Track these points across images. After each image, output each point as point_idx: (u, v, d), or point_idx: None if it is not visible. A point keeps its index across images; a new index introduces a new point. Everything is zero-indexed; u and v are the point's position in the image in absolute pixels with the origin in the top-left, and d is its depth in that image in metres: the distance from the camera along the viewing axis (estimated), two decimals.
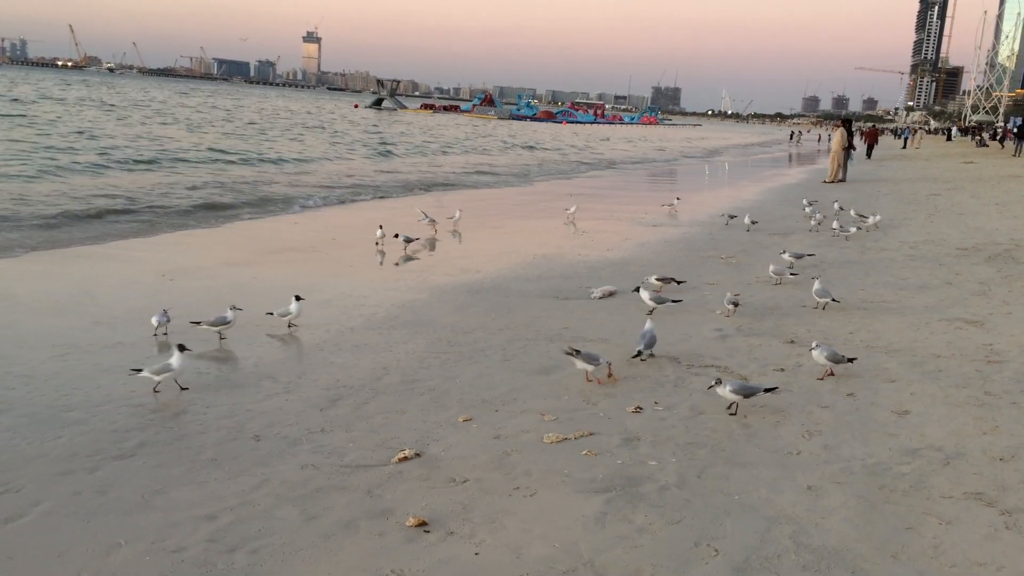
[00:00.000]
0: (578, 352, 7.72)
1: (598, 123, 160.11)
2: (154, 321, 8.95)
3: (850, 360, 7.90)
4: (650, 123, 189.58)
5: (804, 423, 6.70)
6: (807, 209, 20.91)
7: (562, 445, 6.22)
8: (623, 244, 16.90)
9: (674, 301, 10.60)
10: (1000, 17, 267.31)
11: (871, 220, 18.87)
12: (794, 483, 5.57)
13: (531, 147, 58.47)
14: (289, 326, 9.41)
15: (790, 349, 8.92)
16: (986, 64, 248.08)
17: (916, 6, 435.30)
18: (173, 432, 6.32)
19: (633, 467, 5.83)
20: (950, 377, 7.86)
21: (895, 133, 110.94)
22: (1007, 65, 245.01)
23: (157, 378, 7.05)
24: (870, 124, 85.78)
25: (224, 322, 8.80)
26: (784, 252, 14.14)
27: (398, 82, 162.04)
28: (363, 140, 54.64)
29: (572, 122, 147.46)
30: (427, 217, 17.72)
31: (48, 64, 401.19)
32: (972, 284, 12.37)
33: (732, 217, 19.90)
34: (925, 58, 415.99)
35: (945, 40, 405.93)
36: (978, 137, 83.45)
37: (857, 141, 58.96)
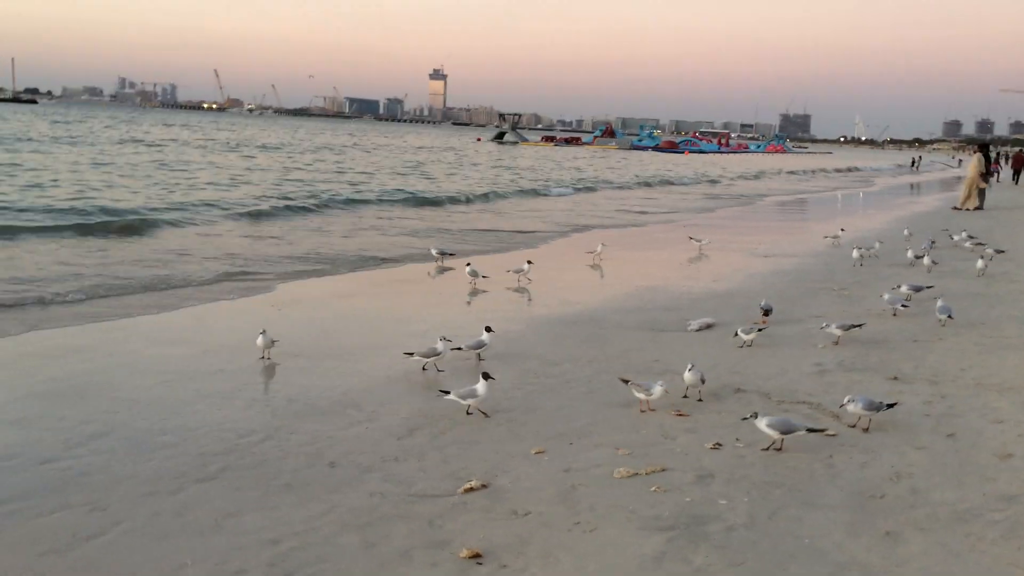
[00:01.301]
0: (627, 381, 7.75)
1: (722, 152, 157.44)
2: (259, 342, 9.31)
3: (890, 406, 7.22)
4: (777, 151, 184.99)
5: (895, 464, 6.35)
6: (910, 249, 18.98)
7: (632, 480, 6.10)
8: (733, 275, 16.53)
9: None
10: None
11: (988, 250, 17.53)
12: (872, 528, 5.28)
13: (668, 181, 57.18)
14: (480, 359, 9.56)
15: (892, 386, 8.48)
16: None
17: None
18: (255, 457, 6.56)
19: (702, 505, 5.65)
20: None
21: None
22: None
23: (463, 402, 7.50)
24: (1018, 148, 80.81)
25: (435, 353, 9.04)
26: (900, 285, 13.45)
27: (519, 116, 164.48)
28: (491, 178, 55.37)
29: (695, 151, 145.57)
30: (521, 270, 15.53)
31: (195, 107, 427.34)
32: None
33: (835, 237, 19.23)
34: None
35: None
36: None
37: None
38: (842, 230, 21.69)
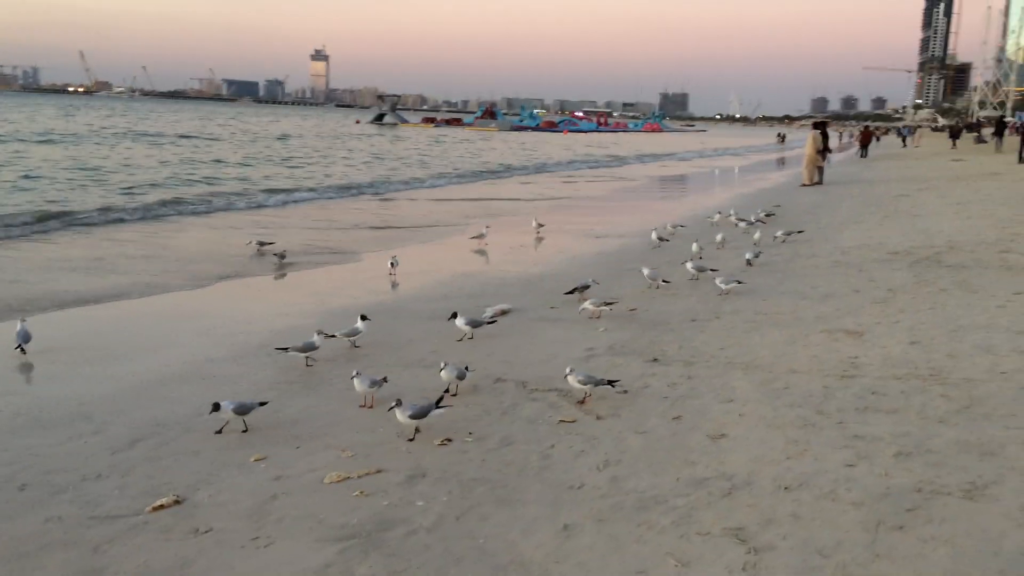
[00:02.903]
0: (358, 373, 7.64)
1: (600, 131, 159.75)
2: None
3: (611, 383, 7.58)
4: (654, 130, 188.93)
5: (608, 452, 6.39)
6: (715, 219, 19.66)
7: (340, 486, 5.94)
8: (555, 258, 16.63)
9: (490, 322, 10.37)
10: (1006, 12, 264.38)
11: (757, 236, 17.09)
12: (553, 523, 5.27)
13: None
14: (354, 346, 9.60)
15: (647, 368, 8.60)
16: (993, 59, 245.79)
17: (922, 4, 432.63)
18: None
19: (396, 509, 5.53)
20: (792, 395, 7.52)
21: (899, 132, 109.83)
22: (1015, 60, 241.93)
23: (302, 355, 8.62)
24: (864, 125, 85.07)
25: (313, 347, 8.96)
26: (690, 261, 13.88)
27: (399, 96, 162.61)
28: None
29: (574, 131, 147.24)
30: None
31: (60, 90, 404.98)
32: (880, 291, 12.00)
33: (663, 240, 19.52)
34: (932, 55, 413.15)
35: (952, 36, 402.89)
36: (976, 133, 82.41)
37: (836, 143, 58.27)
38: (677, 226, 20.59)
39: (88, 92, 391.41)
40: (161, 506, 5.63)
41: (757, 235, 16.81)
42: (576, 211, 27.00)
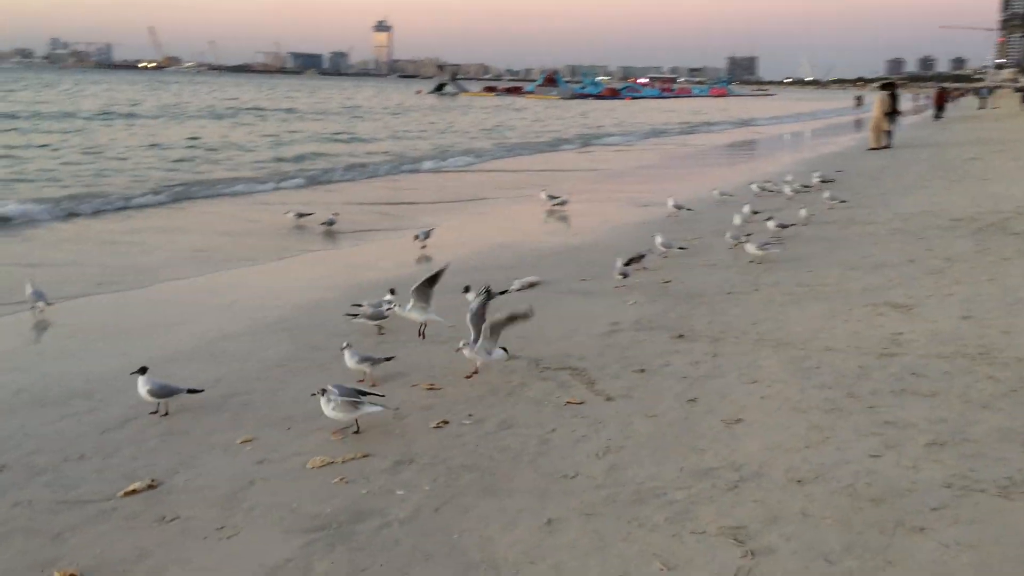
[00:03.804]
0: (348, 345, 7.39)
1: (664, 98, 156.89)
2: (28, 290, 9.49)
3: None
4: (720, 95, 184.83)
5: (612, 438, 5.94)
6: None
7: (322, 471, 5.62)
8: (597, 228, 16.09)
9: (501, 293, 9.61)
10: None
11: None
12: (537, 516, 4.85)
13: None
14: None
15: (671, 345, 8.09)
16: None
17: None
18: None
19: (374, 498, 5.19)
20: (823, 375, 6.95)
21: (977, 93, 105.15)
22: None
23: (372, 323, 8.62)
24: (939, 86, 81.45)
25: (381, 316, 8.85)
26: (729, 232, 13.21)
27: (459, 66, 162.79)
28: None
29: (636, 98, 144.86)
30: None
31: (131, 66, 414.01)
32: (937, 261, 11.22)
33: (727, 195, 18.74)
34: (1014, 13, 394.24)
35: None
36: None
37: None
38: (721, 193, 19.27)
39: (158, 67, 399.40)
40: (134, 491, 5.39)
41: (804, 212, 15.19)
42: (626, 180, 26.30)
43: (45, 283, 10.07)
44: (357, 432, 6.22)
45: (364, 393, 6.35)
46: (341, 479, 5.46)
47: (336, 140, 41.44)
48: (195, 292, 11.47)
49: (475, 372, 7.47)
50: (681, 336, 8.36)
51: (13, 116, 48.82)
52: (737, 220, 14.50)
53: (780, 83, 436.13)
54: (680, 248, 12.27)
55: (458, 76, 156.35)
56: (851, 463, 5.29)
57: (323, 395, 6.14)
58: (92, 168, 26.92)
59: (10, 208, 17.37)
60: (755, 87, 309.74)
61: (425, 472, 5.54)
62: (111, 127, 45.99)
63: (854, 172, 23.95)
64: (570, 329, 8.83)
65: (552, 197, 18.66)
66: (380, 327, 8.94)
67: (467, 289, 9.54)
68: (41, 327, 9.63)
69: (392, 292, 9.52)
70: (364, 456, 5.82)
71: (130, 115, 56.17)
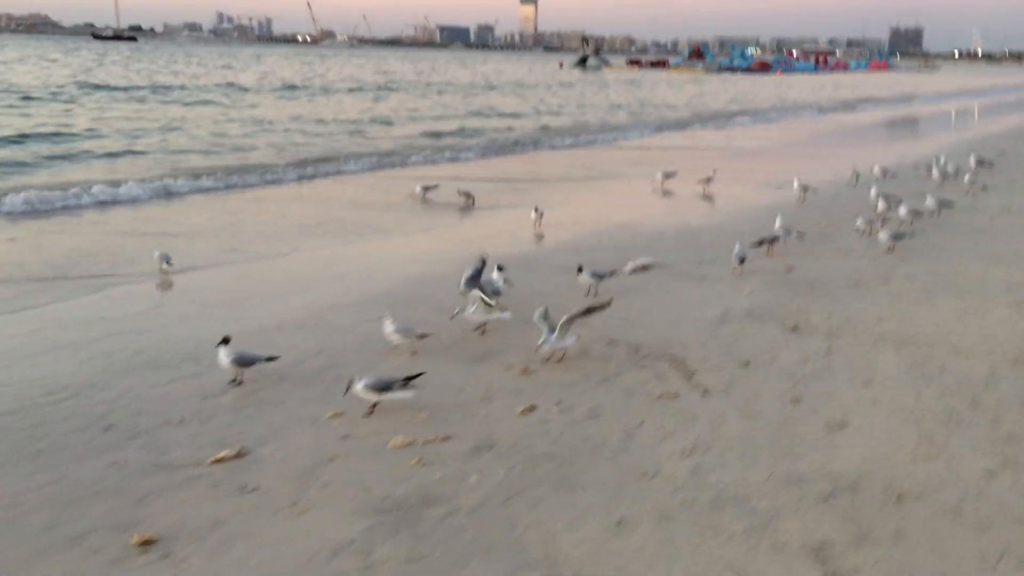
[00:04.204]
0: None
1: (819, 71, 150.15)
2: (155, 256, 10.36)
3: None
4: (880, 68, 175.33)
5: (701, 436, 5.65)
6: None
7: (402, 451, 5.61)
8: (723, 209, 15.52)
9: (611, 274, 9.52)
10: None
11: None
12: (608, 515, 4.67)
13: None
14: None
15: (783, 338, 7.66)
16: None
17: None
18: (36, 418, 6.19)
19: (446, 484, 5.13)
20: (946, 380, 6.40)
21: None
22: None
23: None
24: None
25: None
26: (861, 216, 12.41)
27: (603, 39, 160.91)
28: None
29: (788, 71, 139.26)
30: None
31: (290, 40, 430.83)
32: None
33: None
34: None
35: None
36: None
37: None
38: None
39: (315, 41, 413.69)
40: (222, 458, 5.54)
41: (931, 200, 13.66)
42: (761, 158, 25.24)
43: (180, 252, 10.65)
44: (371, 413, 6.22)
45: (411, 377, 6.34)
46: (418, 460, 5.43)
47: (480, 115, 41.65)
48: (314, 263, 11.73)
49: (562, 357, 7.30)
50: (795, 328, 7.91)
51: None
52: (880, 205, 13.58)
53: (948, 56, 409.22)
54: (799, 233, 11.60)
55: (601, 49, 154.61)
56: (961, 481, 4.83)
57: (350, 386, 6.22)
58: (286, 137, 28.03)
59: (178, 184, 18.18)
60: (920, 61, 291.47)
61: (503, 459, 5.44)
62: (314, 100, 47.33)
63: (1018, 155, 22.14)
64: (677, 316, 8.52)
65: (666, 175, 18.21)
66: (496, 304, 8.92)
67: (580, 269, 9.37)
68: (167, 291, 10.09)
69: (500, 268, 9.46)
70: (445, 438, 5.77)
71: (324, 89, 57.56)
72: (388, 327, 7.45)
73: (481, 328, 8.31)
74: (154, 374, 7.22)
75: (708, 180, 17.78)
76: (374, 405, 6.25)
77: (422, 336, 7.58)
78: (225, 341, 6.78)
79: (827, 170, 20.07)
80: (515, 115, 42.07)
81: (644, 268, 10.76)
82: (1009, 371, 6.54)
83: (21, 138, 24.82)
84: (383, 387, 6.18)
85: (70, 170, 20.44)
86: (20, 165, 20.71)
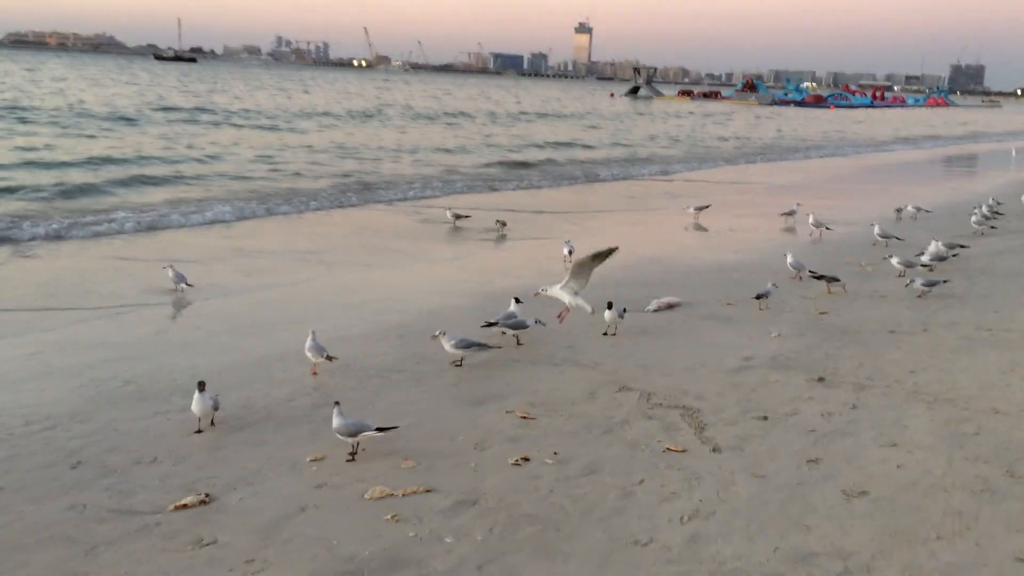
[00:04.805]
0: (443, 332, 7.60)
1: (874, 107, 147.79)
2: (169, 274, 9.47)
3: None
4: (939, 104, 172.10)
5: (705, 498, 5.16)
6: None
7: (378, 504, 5.21)
8: (761, 246, 14.94)
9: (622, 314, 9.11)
10: None
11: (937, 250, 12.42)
12: None
13: None
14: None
15: (807, 389, 7.12)
16: None
17: None
18: (6, 452, 5.96)
19: (419, 544, 4.71)
20: (982, 444, 5.83)
21: None
22: None
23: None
24: None
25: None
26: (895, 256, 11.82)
27: (655, 69, 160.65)
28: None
29: (842, 106, 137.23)
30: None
31: (346, 64, 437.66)
32: None
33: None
34: None
35: None
36: None
37: None
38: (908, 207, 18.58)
39: (369, 66, 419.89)
40: (184, 505, 5.18)
41: (935, 245, 12.46)
42: (804, 194, 24.50)
43: (195, 275, 10.55)
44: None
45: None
46: (394, 516, 5.02)
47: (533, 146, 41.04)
48: (332, 291, 11.44)
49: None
50: (821, 379, 7.36)
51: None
52: (932, 247, 12.65)
53: (1011, 94, 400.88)
54: (811, 272, 11.33)
55: (653, 79, 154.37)
56: (990, 566, 4.28)
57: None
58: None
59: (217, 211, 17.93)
60: (988, 98, 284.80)
61: (484, 518, 5.00)
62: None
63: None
64: (697, 360, 8.02)
65: (698, 208, 17.77)
66: (517, 337, 8.73)
67: (610, 305, 8.95)
68: (176, 316, 9.89)
69: (516, 301, 9.09)
70: (427, 491, 5.35)
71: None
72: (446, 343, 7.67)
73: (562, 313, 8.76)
74: (140, 406, 6.94)
75: (791, 213, 17.32)
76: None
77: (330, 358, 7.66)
78: (200, 387, 6.38)
79: (868, 207, 19.34)
80: (573, 144, 41.52)
81: (669, 307, 10.30)
82: None
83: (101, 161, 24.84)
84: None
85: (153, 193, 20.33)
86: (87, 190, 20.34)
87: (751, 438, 6.09)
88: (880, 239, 14.23)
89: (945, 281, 10.48)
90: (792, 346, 8.43)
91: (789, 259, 11.63)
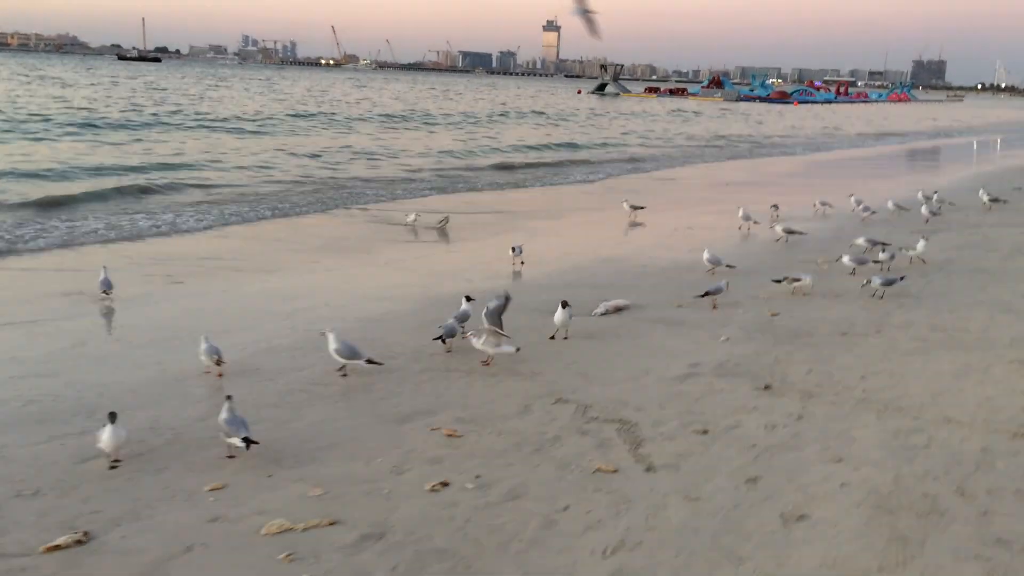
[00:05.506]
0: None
1: (838, 102, 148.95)
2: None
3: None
4: (900, 100, 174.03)
5: (633, 526, 4.74)
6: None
7: (275, 540, 4.73)
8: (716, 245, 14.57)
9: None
10: None
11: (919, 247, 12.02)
12: None
13: None
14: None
15: (752, 399, 6.74)
16: None
17: None
18: None
19: None
20: (932, 458, 5.47)
21: None
22: None
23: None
24: None
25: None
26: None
27: (621, 66, 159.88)
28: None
29: (806, 102, 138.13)
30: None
31: (313, 63, 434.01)
32: None
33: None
34: None
35: None
36: None
37: None
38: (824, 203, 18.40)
39: (337, 65, 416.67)
40: (58, 546, 4.67)
41: (921, 245, 12.06)
42: (768, 190, 24.28)
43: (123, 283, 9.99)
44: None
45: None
46: (288, 555, 4.54)
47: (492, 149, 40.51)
48: (270, 296, 10.89)
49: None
50: (767, 387, 6.99)
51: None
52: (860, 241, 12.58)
53: (971, 89, 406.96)
54: (729, 267, 11.50)
55: (620, 76, 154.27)
56: None
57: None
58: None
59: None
60: (952, 93, 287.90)
61: (389, 554, 4.55)
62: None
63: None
64: (641, 368, 7.62)
65: (635, 207, 17.42)
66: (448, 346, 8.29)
67: (564, 304, 8.53)
68: (96, 326, 9.36)
69: (468, 299, 8.71)
70: (330, 523, 4.89)
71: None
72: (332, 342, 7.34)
73: (488, 360, 7.86)
74: (36, 429, 6.39)
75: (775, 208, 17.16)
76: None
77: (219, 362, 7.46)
78: (112, 418, 5.80)
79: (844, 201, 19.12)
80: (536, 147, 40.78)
81: (617, 310, 9.89)
82: (1006, 447, 5.60)
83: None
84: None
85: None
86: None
87: (689, 455, 5.69)
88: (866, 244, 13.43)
89: (902, 278, 10.18)
90: (741, 351, 8.06)
91: (706, 255, 11.71)
